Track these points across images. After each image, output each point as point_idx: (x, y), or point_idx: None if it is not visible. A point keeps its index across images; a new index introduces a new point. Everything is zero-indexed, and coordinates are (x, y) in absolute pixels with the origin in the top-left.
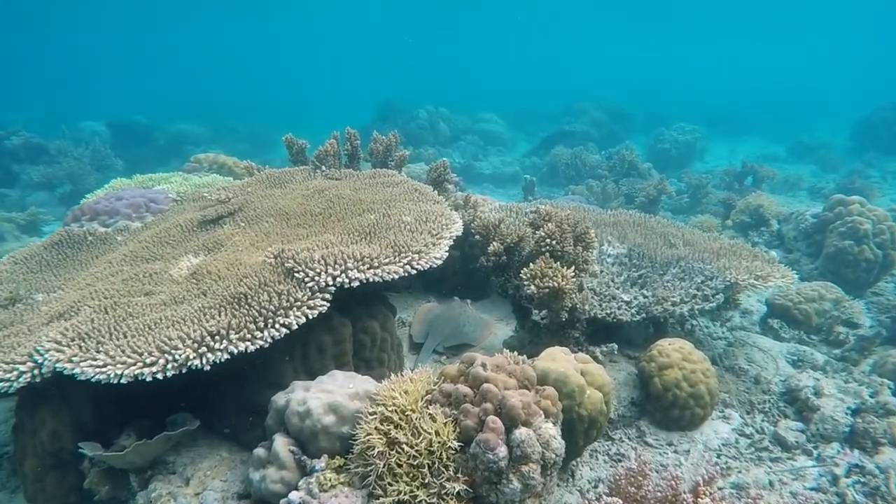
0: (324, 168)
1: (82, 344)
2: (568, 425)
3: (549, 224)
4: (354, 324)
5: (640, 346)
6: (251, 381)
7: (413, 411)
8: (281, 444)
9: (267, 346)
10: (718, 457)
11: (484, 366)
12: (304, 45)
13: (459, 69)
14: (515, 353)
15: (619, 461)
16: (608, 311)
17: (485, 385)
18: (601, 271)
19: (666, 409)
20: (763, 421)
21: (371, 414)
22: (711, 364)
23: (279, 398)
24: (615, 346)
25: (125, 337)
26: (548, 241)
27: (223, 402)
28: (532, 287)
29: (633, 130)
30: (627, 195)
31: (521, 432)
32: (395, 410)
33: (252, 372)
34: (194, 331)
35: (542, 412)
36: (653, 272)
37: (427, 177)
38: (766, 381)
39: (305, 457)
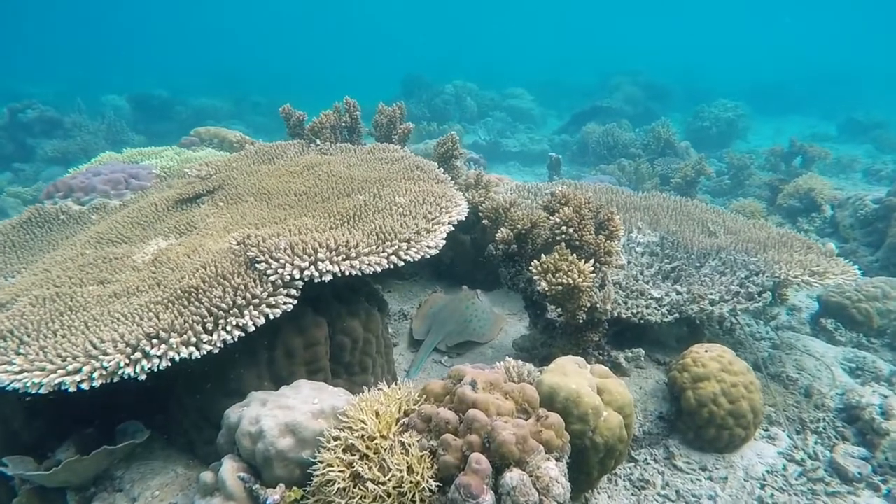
0: (318, 142)
1: (1, 344)
2: (579, 454)
3: (566, 209)
4: (332, 323)
5: (672, 349)
6: (209, 388)
7: (384, 438)
8: (229, 469)
9: (217, 351)
10: (762, 487)
11: (473, 384)
12: (332, 18)
13: (489, 43)
14: (519, 361)
15: (643, 489)
16: (635, 311)
17: (471, 412)
18: (629, 262)
19: (700, 427)
20: (817, 444)
21: (334, 439)
22: (754, 370)
23: (232, 413)
24: (641, 351)
25: (54, 336)
26: (563, 228)
27: (179, 409)
28: (543, 283)
29: (671, 107)
30: (662, 176)
31: (512, 476)
32: (362, 437)
33: (210, 376)
34: (130, 332)
35: (542, 447)
36: (688, 264)
37: (434, 152)
38: (820, 395)
39: (259, 485)
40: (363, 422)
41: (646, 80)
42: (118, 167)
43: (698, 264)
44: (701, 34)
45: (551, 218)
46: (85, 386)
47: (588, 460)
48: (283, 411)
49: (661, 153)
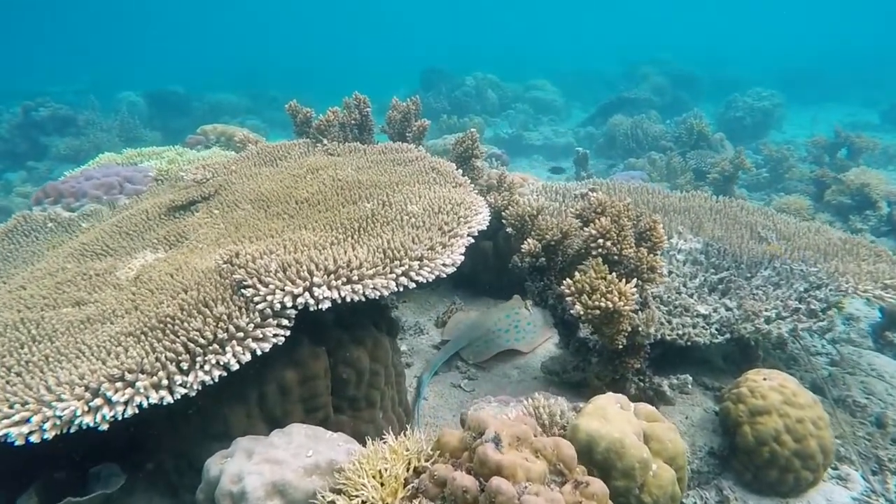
0: (325, 142)
1: None
2: None
3: (603, 219)
4: (333, 353)
5: (720, 371)
6: (192, 429)
7: None
8: None
9: (194, 395)
10: None
11: (497, 441)
12: (352, 10)
13: (510, 34)
14: (551, 399)
15: None
16: (680, 332)
17: (494, 481)
18: (669, 272)
19: (760, 468)
20: None
21: None
22: (813, 393)
23: (212, 465)
24: (689, 378)
25: (8, 374)
26: (600, 241)
27: (160, 451)
28: (578, 306)
29: (700, 97)
30: (696, 170)
31: None
32: None
33: (192, 417)
34: (92, 372)
35: None
36: (737, 275)
37: (451, 151)
38: None
39: None
40: (362, 488)
41: (673, 70)
42: (112, 170)
43: (748, 275)
44: (728, 19)
45: (586, 229)
46: (35, 438)
47: None
48: (271, 467)
49: (694, 146)
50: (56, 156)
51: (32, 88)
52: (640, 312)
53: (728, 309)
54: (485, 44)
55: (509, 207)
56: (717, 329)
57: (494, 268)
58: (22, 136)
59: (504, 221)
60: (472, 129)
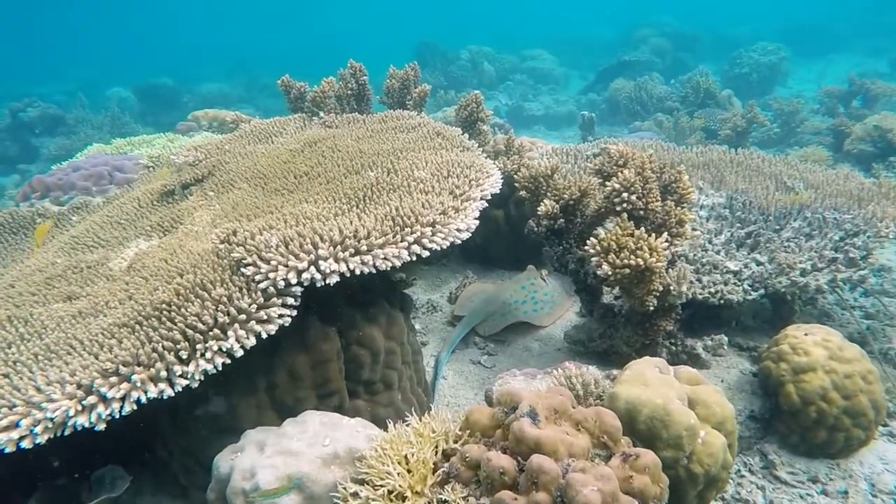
0: (322, 114)
1: None
2: (671, 489)
3: (626, 171)
4: (344, 333)
5: (753, 330)
6: (199, 425)
7: (418, 495)
8: None
9: (196, 385)
10: None
11: (533, 415)
12: None
13: (502, 4)
14: (583, 367)
15: None
16: (713, 290)
17: (534, 459)
18: (694, 229)
19: (807, 429)
20: None
21: (353, 496)
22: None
23: (222, 462)
24: (724, 338)
25: None
26: (624, 195)
27: (165, 450)
28: (605, 266)
29: (702, 57)
30: (706, 129)
31: None
32: (388, 495)
33: (198, 410)
34: (84, 368)
35: (635, 502)
36: (766, 228)
37: (455, 116)
38: None
39: None
40: (387, 476)
41: (673, 30)
42: (101, 160)
43: (777, 227)
44: None
45: (608, 184)
46: (26, 444)
47: (684, 496)
48: (286, 459)
49: (701, 105)
50: (48, 157)
51: (17, 90)
52: (669, 271)
53: (759, 264)
54: (476, 16)
55: (521, 169)
56: (749, 285)
57: (507, 238)
58: (11, 139)
59: (517, 185)
60: (476, 92)
